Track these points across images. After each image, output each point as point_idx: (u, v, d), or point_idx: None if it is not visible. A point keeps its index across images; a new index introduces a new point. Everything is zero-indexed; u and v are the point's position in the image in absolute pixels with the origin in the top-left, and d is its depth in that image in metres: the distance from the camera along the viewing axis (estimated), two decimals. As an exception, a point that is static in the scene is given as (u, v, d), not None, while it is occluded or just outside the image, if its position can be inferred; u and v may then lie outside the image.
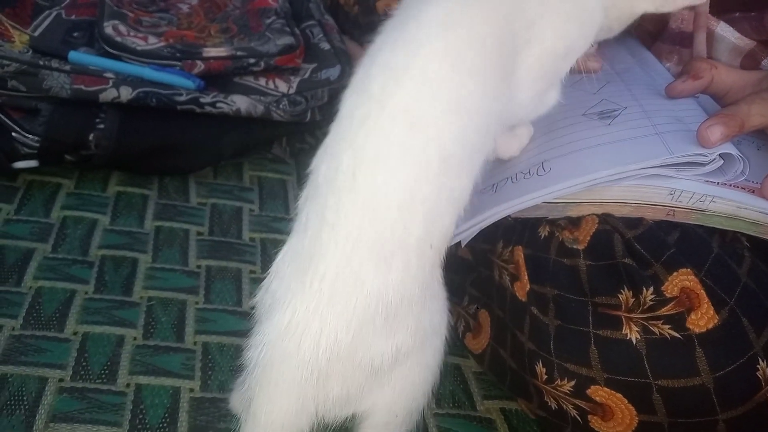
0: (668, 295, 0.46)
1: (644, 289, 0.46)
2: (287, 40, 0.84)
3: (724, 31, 0.64)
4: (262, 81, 0.81)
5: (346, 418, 0.43)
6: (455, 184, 0.40)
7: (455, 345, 0.60)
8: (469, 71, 0.40)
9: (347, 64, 0.86)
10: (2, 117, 0.71)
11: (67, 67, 0.74)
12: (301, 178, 0.80)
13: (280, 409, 0.39)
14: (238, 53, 0.81)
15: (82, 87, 0.72)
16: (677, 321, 0.45)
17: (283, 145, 0.84)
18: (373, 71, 0.41)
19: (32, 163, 0.71)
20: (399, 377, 0.42)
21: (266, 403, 0.40)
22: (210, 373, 0.56)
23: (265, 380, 0.40)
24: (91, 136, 0.72)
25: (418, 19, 0.41)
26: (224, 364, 0.57)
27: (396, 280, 0.39)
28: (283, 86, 0.81)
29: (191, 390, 0.54)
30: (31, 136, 0.70)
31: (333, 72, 0.84)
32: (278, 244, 0.68)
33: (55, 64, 0.74)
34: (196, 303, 0.62)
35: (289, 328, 0.38)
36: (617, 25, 0.50)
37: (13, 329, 0.56)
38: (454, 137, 0.39)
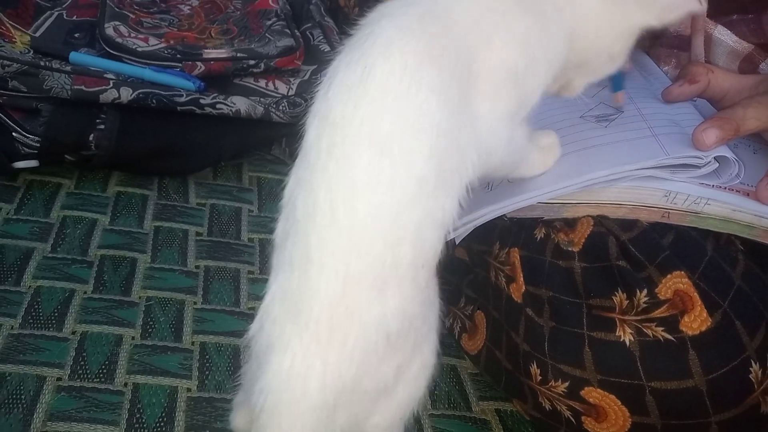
0: (662, 298, 0.46)
1: (638, 291, 0.46)
2: (287, 41, 0.84)
3: (722, 34, 0.64)
4: (262, 82, 0.82)
5: None
6: (437, 206, 0.39)
7: (451, 346, 0.61)
8: (430, 88, 0.38)
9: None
10: (3, 117, 0.71)
11: (68, 68, 0.74)
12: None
13: None
14: (239, 55, 0.81)
15: (83, 88, 0.73)
16: (671, 323, 0.45)
17: (282, 146, 0.84)
18: (331, 94, 0.39)
19: (32, 163, 0.71)
20: (403, 387, 0.42)
21: None
22: (207, 373, 0.56)
23: (276, 427, 0.39)
24: (91, 137, 0.72)
25: (374, 35, 0.39)
26: (222, 364, 0.57)
27: (394, 308, 0.39)
28: (282, 88, 0.82)
29: (188, 390, 0.54)
30: (31, 137, 0.71)
31: (332, 74, 0.84)
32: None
33: (56, 64, 0.74)
34: (195, 303, 0.62)
35: (291, 372, 0.38)
36: (618, 48, 0.48)
37: (12, 328, 0.56)
38: (425, 158, 0.38)
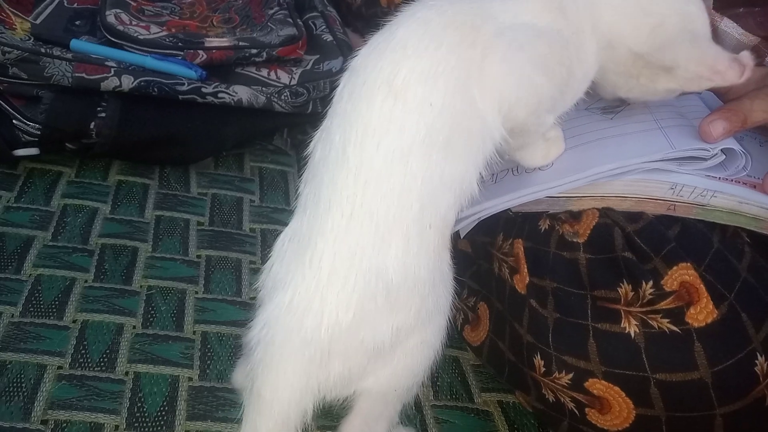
0: (668, 289, 0.46)
1: (644, 282, 0.46)
2: (290, 31, 0.84)
3: (728, 27, 0.63)
4: (264, 72, 0.81)
5: (347, 396, 0.43)
6: (448, 166, 0.40)
7: (453, 337, 0.60)
8: (450, 47, 0.40)
9: (349, 55, 0.86)
10: (3, 104, 0.71)
11: (69, 55, 0.74)
12: (302, 170, 0.80)
13: (285, 386, 0.40)
14: (241, 43, 0.80)
15: (84, 75, 0.72)
16: (676, 315, 0.45)
17: (284, 136, 0.84)
18: (361, 52, 0.42)
19: (33, 151, 0.71)
20: (400, 355, 0.42)
21: (271, 382, 0.40)
22: (209, 362, 0.56)
23: (269, 359, 0.40)
24: (92, 125, 0.72)
25: (405, 11, 0.42)
26: (223, 354, 0.57)
27: (395, 258, 0.39)
28: (285, 77, 0.81)
29: (190, 379, 0.54)
30: (32, 124, 0.70)
31: (335, 64, 0.84)
32: (278, 235, 0.69)
33: (56, 52, 0.73)
34: (196, 292, 0.62)
35: (290, 307, 0.39)
36: (642, 98, 0.52)
37: (13, 316, 0.56)
38: (438, 109, 0.39)
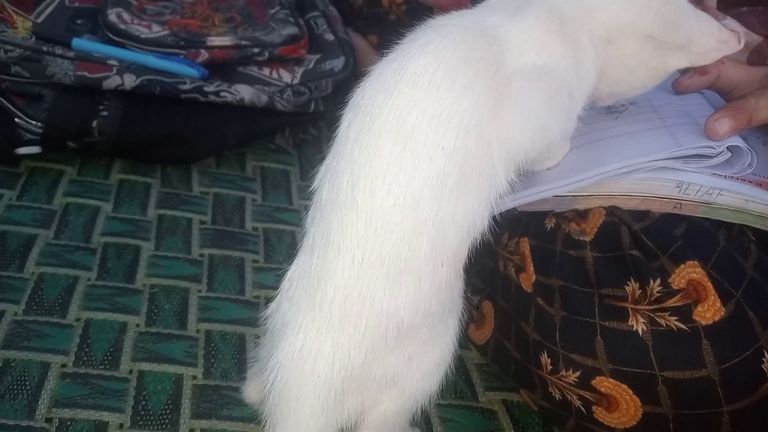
0: (675, 287, 0.46)
1: (651, 280, 0.46)
2: (291, 30, 0.84)
3: (732, 26, 0.64)
4: (266, 71, 0.81)
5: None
6: (459, 205, 0.39)
7: (458, 336, 0.60)
8: (462, 87, 0.39)
9: (351, 55, 0.86)
10: (5, 103, 0.71)
11: (71, 54, 0.73)
12: (304, 169, 0.81)
13: (303, 428, 0.40)
14: (243, 43, 0.80)
15: (86, 74, 0.72)
16: (684, 313, 0.45)
17: (285, 135, 0.84)
18: (367, 86, 0.41)
19: (35, 150, 0.71)
20: (414, 378, 0.43)
21: (289, 426, 0.41)
22: (213, 360, 0.55)
23: (285, 404, 0.40)
24: (94, 123, 0.71)
25: (415, 39, 0.41)
26: (227, 352, 0.56)
27: (407, 299, 0.39)
28: (287, 76, 0.81)
29: (194, 377, 0.54)
30: (34, 122, 0.70)
31: (337, 63, 0.84)
32: (281, 234, 0.70)
33: (58, 50, 0.73)
34: (199, 291, 0.62)
35: (302, 351, 0.39)
36: (650, 84, 0.50)
37: (16, 314, 0.56)
38: (448, 153, 0.38)
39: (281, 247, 0.68)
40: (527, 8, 0.44)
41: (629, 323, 0.46)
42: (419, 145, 0.38)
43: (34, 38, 0.76)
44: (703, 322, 0.45)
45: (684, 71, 0.59)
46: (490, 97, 0.40)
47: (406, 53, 0.40)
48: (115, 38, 0.79)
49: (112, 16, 0.81)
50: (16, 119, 0.70)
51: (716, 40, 0.47)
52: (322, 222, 0.40)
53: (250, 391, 0.50)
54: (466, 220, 0.40)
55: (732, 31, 0.47)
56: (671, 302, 0.45)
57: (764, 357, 0.44)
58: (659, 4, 0.45)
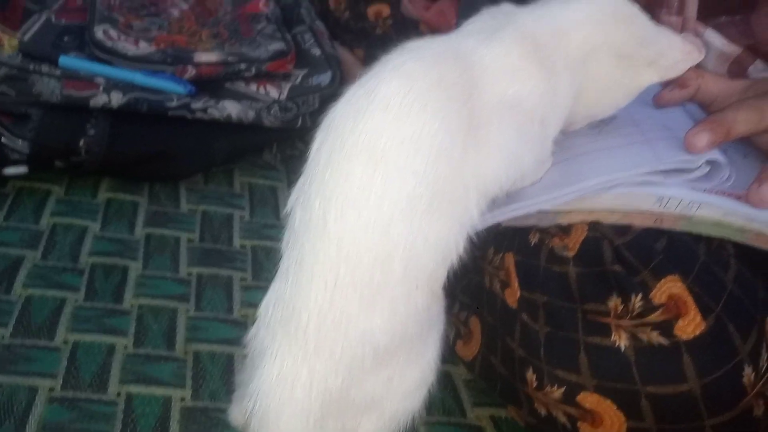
0: (656, 302, 0.46)
1: (633, 296, 0.47)
2: (278, 45, 0.84)
3: (711, 37, 0.64)
4: (253, 87, 0.82)
5: None
6: (431, 229, 0.39)
7: (445, 352, 0.60)
8: (434, 111, 0.39)
9: (338, 69, 0.86)
10: (-9, 122, 0.71)
11: (58, 72, 0.74)
12: (292, 185, 0.80)
13: None
14: (230, 58, 0.81)
15: (73, 92, 0.72)
16: (665, 328, 0.46)
17: (273, 151, 0.84)
18: (338, 108, 0.40)
19: (21, 170, 0.71)
20: (395, 398, 0.43)
21: None
22: (201, 381, 0.56)
23: (265, 430, 0.41)
24: (81, 142, 0.72)
25: (389, 61, 0.41)
26: (215, 373, 0.56)
27: (382, 322, 0.39)
28: (274, 92, 0.82)
29: (182, 399, 0.54)
30: (20, 142, 0.70)
31: (324, 78, 0.84)
32: (269, 252, 0.70)
33: (45, 68, 0.73)
34: (187, 311, 0.62)
35: (279, 378, 0.39)
36: (623, 101, 0.51)
37: (3, 338, 0.56)
38: (419, 177, 0.38)
39: (269, 265, 0.68)
40: (501, 34, 0.44)
41: (612, 339, 0.47)
42: (390, 168, 0.38)
43: (20, 56, 0.76)
44: (684, 337, 0.45)
45: (665, 85, 0.59)
46: (462, 122, 0.40)
47: (378, 75, 0.40)
48: (102, 55, 0.79)
49: (99, 33, 0.81)
50: (2, 139, 0.70)
51: (681, 51, 0.49)
52: (296, 247, 0.40)
53: (236, 415, 0.50)
54: (439, 243, 0.40)
55: (692, 42, 0.49)
56: (653, 317, 0.46)
57: (744, 371, 0.45)
58: (627, 24, 0.47)
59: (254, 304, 0.62)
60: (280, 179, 0.81)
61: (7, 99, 0.72)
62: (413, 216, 0.39)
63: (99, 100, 0.73)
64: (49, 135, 0.71)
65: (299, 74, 0.85)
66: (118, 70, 0.77)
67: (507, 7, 0.48)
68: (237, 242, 0.71)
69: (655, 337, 0.46)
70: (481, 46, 0.43)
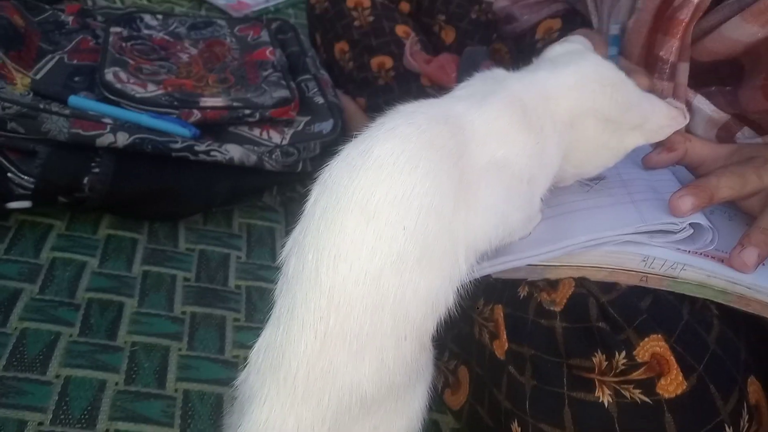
0: (639, 360, 0.47)
1: (617, 353, 0.48)
2: (283, 93, 0.87)
3: (701, 103, 0.67)
4: (257, 131, 0.84)
5: None
6: (421, 282, 0.41)
7: (434, 400, 0.61)
8: (425, 171, 0.41)
9: (340, 118, 0.89)
10: (-1, 158, 0.73)
11: (67, 111, 0.76)
12: (290, 227, 0.82)
13: None
14: (235, 104, 0.83)
15: (80, 131, 0.74)
16: (647, 386, 0.46)
17: (273, 193, 0.86)
18: (335, 165, 0.42)
19: (25, 204, 0.72)
20: None
21: None
22: (189, 421, 0.56)
23: None
24: (85, 180, 0.73)
25: (383, 123, 0.43)
26: (204, 413, 0.57)
27: (370, 373, 0.40)
28: (276, 137, 0.84)
29: (170, 438, 0.54)
30: (26, 178, 0.72)
31: (326, 125, 0.87)
32: (263, 292, 0.71)
33: (54, 107, 0.76)
34: (179, 349, 0.62)
35: (267, 424, 0.40)
36: (611, 162, 0.53)
37: (-4, 370, 0.56)
38: (409, 233, 0.40)
39: (263, 306, 0.69)
40: (491, 98, 0.46)
41: (596, 394, 0.47)
42: (381, 223, 0.39)
43: (31, 94, 0.78)
44: (666, 396, 0.46)
45: (654, 147, 0.61)
46: (452, 183, 0.42)
47: (374, 136, 0.42)
48: (111, 96, 0.81)
49: (109, 75, 0.84)
50: (8, 174, 0.72)
51: (666, 116, 0.51)
52: (288, 295, 0.41)
53: None
54: (429, 297, 0.41)
55: (677, 108, 0.52)
56: (635, 375, 0.47)
57: (725, 431, 0.46)
58: (612, 89, 0.49)
59: (246, 345, 0.64)
60: (279, 221, 0.83)
61: (16, 136, 0.74)
62: (403, 269, 0.40)
63: (105, 139, 0.75)
64: (55, 172, 0.73)
65: (302, 121, 0.87)
66: (125, 112, 0.79)
67: (498, 73, 0.50)
68: (232, 282, 0.72)
69: (638, 395, 0.46)
70: (472, 110, 0.45)
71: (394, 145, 0.41)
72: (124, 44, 0.92)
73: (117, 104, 0.80)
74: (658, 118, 0.51)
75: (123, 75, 0.85)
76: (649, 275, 0.51)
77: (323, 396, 0.40)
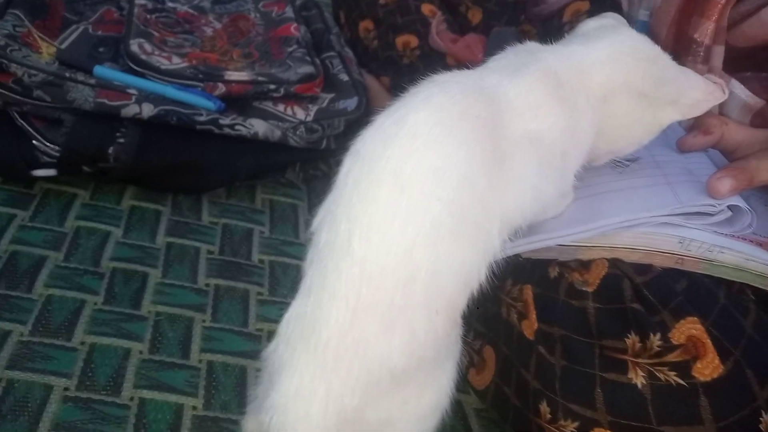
0: (675, 342, 0.46)
1: (651, 334, 0.47)
2: (307, 69, 0.86)
3: (736, 88, 0.65)
4: (281, 107, 0.83)
5: None
6: (455, 255, 0.40)
7: (457, 380, 0.60)
8: (460, 140, 0.40)
9: (364, 96, 0.88)
10: (25, 125, 0.72)
11: (92, 81, 0.75)
12: (312, 204, 0.82)
13: None
14: (260, 78, 0.82)
15: (106, 101, 0.74)
16: (683, 368, 0.46)
17: (296, 170, 0.85)
18: (367, 134, 0.42)
19: (51, 172, 0.72)
20: (409, 420, 0.43)
21: None
22: (213, 392, 0.56)
23: None
24: (110, 150, 0.73)
25: (417, 92, 0.42)
26: (228, 384, 0.57)
27: (401, 345, 0.39)
28: (301, 113, 0.83)
29: (194, 408, 0.54)
30: (52, 146, 0.72)
31: (350, 103, 0.86)
32: (287, 268, 0.70)
33: (80, 77, 0.75)
34: (203, 321, 0.62)
35: (297, 395, 0.40)
36: (645, 139, 0.52)
37: (22, 335, 0.56)
38: (443, 204, 0.39)
39: (286, 281, 0.69)
40: (525, 70, 0.45)
41: (628, 376, 0.47)
42: (415, 194, 0.39)
43: (57, 63, 0.78)
44: (702, 379, 0.45)
45: (689, 130, 0.60)
46: (486, 153, 0.41)
47: (408, 105, 0.41)
48: (135, 68, 0.81)
49: (134, 46, 0.83)
50: (34, 141, 0.71)
51: (703, 92, 0.50)
52: (320, 266, 0.40)
53: (250, 427, 0.50)
54: (462, 271, 0.41)
55: (715, 83, 0.50)
56: (671, 357, 0.46)
57: (761, 417, 0.45)
58: (647, 63, 0.48)
59: (269, 319, 0.63)
60: (301, 198, 0.82)
61: (42, 104, 0.73)
62: (437, 241, 0.39)
63: (130, 110, 0.74)
64: (80, 141, 0.72)
65: (326, 98, 0.86)
66: (150, 83, 0.79)
67: (531, 46, 0.50)
68: (255, 257, 0.71)
69: (673, 377, 0.46)
70: (505, 82, 0.45)
71: (428, 114, 0.40)
72: (148, 16, 0.92)
73: (142, 75, 0.80)
74: (694, 92, 0.49)
75: (148, 47, 0.84)
76: (685, 257, 0.50)
77: (353, 367, 0.39)
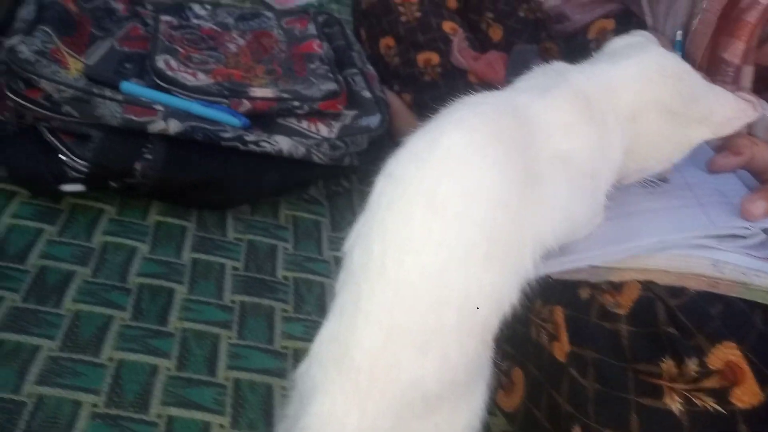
0: (712, 368, 0.46)
1: (687, 359, 0.46)
2: (331, 86, 0.86)
3: (765, 108, 0.65)
4: (305, 124, 0.84)
5: None
6: (487, 278, 0.40)
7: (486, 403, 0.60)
8: (493, 162, 0.40)
9: (387, 113, 0.88)
10: (53, 140, 0.73)
11: (120, 97, 0.76)
12: (335, 220, 0.82)
13: None
14: (284, 95, 0.83)
15: (132, 117, 0.75)
16: (721, 395, 0.45)
17: (319, 186, 0.85)
18: (400, 156, 0.42)
19: (79, 187, 0.73)
20: None
21: None
22: (240, 410, 0.56)
23: None
24: (137, 166, 0.73)
25: (450, 114, 0.42)
26: (254, 402, 0.57)
27: (433, 369, 0.39)
28: (324, 130, 0.84)
29: (221, 426, 0.54)
30: (80, 161, 0.72)
31: (373, 120, 0.86)
32: (311, 285, 0.71)
33: (108, 92, 0.76)
34: (229, 338, 0.62)
35: (330, 417, 0.39)
36: (674, 157, 0.52)
37: (51, 350, 0.56)
38: (477, 226, 0.39)
39: (310, 298, 0.69)
40: (554, 90, 0.45)
41: (664, 401, 0.46)
42: (448, 216, 0.39)
43: (84, 79, 0.79)
44: (741, 406, 0.44)
45: (718, 151, 0.60)
46: (519, 174, 0.41)
47: (440, 127, 0.42)
48: (162, 84, 0.81)
49: (160, 62, 0.84)
50: (62, 156, 0.72)
51: (734, 109, 0.49)
52: (352, 287, 0.40)
53: None
54: (494, 293, 0.41)
55: (747, 100, 0.49)
56: (708, 383, 0.45)
57: (801, 445, 0.44)
58: (676, 81, 0.48)
59: (294, 336, 0.63)
60: (324, 214, 0.82)
61: (70, 119, 0.74)
62: (470, 264, 0.39)
63: (157, 126, 0.75)
64: (108, 156, 0.73)
65: (349, 115, 0.87)
66: (176, 99, 0.79)
67: (559, 66, 0.50)
68: (280, 273, 0.72)
69: (711, 404, 0.45)
70: (535, 103, 0.45)
71: (461, 135, 0.41)
72: (173, 33, 0.93)
73: (168, 92, 0.80)
74: (725, 110, 0.49)
75: (173, 63, 0.85)
76: (720, 281, 0.50)
77: (387, 390, 0.39)
